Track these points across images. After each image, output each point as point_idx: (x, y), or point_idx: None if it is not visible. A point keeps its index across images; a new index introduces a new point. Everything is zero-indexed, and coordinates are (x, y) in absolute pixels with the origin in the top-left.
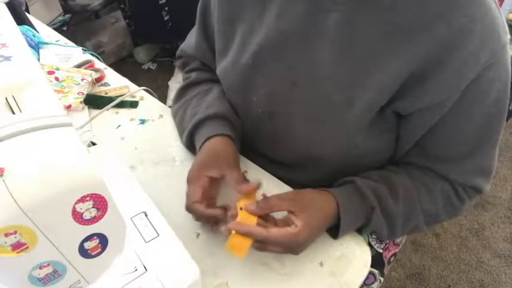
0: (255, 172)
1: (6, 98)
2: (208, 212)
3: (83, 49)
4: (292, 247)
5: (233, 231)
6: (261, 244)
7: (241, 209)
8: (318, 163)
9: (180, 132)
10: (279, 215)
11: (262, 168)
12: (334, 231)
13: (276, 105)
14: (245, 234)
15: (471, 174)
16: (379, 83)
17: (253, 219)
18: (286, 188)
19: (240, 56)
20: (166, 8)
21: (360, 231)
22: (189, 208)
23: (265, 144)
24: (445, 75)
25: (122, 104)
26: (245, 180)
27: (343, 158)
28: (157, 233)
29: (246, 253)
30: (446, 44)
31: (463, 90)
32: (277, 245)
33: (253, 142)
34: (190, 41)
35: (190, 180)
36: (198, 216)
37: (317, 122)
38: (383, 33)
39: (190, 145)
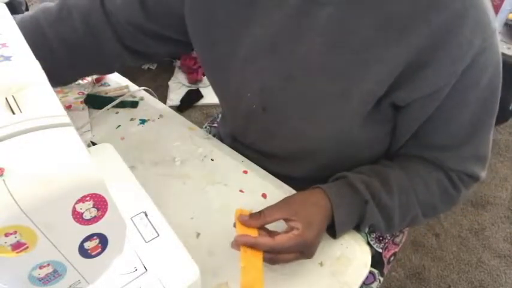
0: (255, 172)
1: (6, 98)
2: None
3: None
4: (303, 250)
5: (241, 266)
6: (272, 255)
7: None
8: (312, 156)
9: None
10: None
11: (259, 163)
12: (333, 231)
13: (270, 100)
14: (252, 246)
15: (467, 161)
16: (376, 74)
17: (253, 232)
18: (286, 188)
19: (232, 49)
20: None
21: (359, 228)
22: None
23: (259, 139)
24: (441, 63)
25: (122, 104)
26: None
27: (339, 150)
28: (157, 233)
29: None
30: (441, 31)
31: (458, 77)
32: (287, 252)
33: (247, 137)
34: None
35: None
36: None
37: (312, 115)
38: (377, 24)
39: None
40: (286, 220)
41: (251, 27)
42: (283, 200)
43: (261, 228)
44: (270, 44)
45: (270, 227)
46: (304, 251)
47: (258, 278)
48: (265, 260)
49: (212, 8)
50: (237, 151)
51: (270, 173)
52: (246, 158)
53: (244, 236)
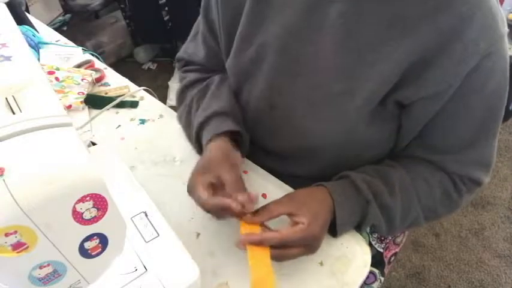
0: (255, 172)
1: (6, 98)
2: (228, 202)
3: (83, 49)
4: (309, 243)
5: (250, 264)
6: (279, 250)
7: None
8: (317, 155)
9: (189, 139)
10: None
11: (260, 160)
12: (333, 230)
13: (277, 97)
14: (258, 243)
15: (470, 166)
16: (381, 72)
17: (257, 229)
18: (286, 188)
19: (242, 50)
20: (166, 8)
21: (360, 228)
22: (208, 206)
23: (265, 136)
24: (446, 63)
25: (122, 104)
26: (242, 183)
27: (343, 150)
28: (157, 233)
29: (274, 286)
30: (447, 32)
31: (462, 79)
32: (294, 245)
33: (253, 134)
34: (198, 50)
35: (191, 187)
36: (220, 212)
37: (318, 113)
38: (385, 23)
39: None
40: (290, 215)
41: (264, 26)
42: (286, 195)
43: (264, 227)
44: (279, 42)
45: (272, 226)
46: (311, 244)
47: (269, 273)
48: (272, 256)
49: (237, 5)
50: None
51: (274, 171)
52: (252, 155)
53: (249, 234)
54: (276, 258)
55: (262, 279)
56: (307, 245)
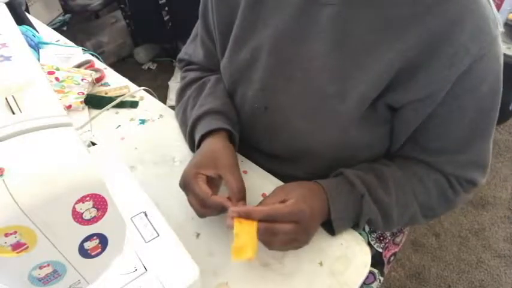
0: (255, 172)
1: (6, 98)
2: (229, 204)
3: (83, 49)
4: (298, 219)
5: (234, 233)
6: (267, 224)
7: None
8: (313, 156)
9: (184, 136)
10: None
11: (257, 162)
12: (331, 228)
13: (271, 100)
14: (246, 215)
15: (466, 167)
16: (372, 75)
17: (252, 225)
18: None
19: (236, 51)
20: (166, 8)
21: (357, 225)
22: (208, 202)
23: (260, 138)
24: (436, 67)
25: (122, 104)
26: (242, 186)
27: (337, 151)
28: (157, 233)
29: (255, 251)
30: (437, 35)
31: (454, 82)
32: (282, 220)
33: (248, 136)
34: (197, 52)
35: (187, 181)
36: (216, 210)
37: (311, 115)
38: (376, 26)
39: (194, 149)
40: (281, 203)
41: (258, 27)
42: (277, 187)
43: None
44: (272, 45)
45: None
46: (300, 221)
47: (251, 243)
48: (260, 230)
49: (232, 6)
50: (241, 151)
51: (272, 173)
52: (249, 158)
53: (238, 207)
54: (265, 232)
55: (243, 246)
56: (297, 224)
